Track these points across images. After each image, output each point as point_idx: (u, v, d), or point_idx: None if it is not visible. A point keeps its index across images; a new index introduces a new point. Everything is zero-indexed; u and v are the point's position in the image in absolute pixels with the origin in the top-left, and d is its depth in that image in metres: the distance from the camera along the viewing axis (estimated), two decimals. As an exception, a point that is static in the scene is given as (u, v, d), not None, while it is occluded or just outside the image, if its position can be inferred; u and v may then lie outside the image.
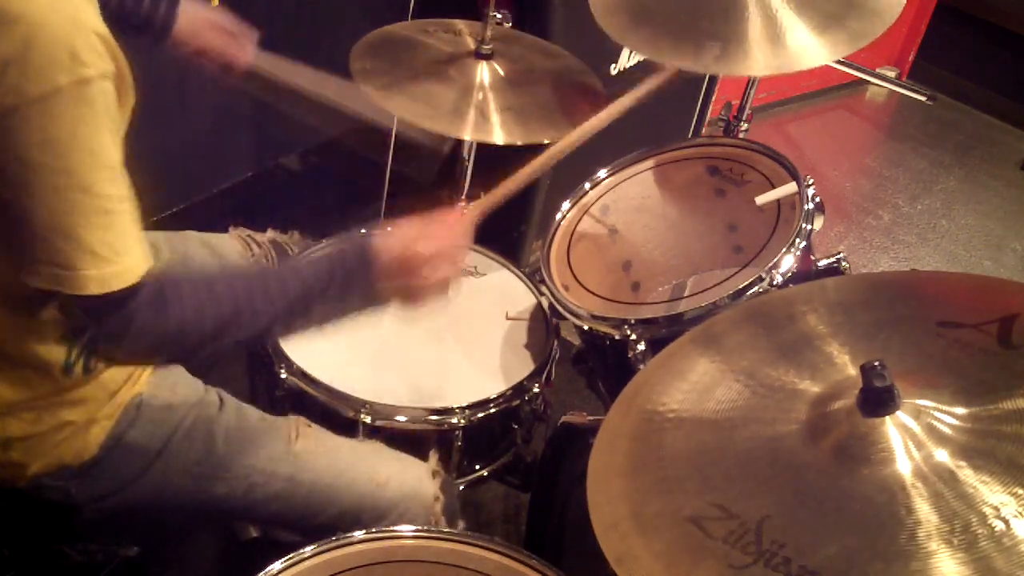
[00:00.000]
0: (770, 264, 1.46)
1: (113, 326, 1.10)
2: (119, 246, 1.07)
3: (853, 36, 1.65)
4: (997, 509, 0.83)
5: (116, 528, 1.42)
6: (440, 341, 1.67)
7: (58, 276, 1.05)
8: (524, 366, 1.64)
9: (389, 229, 1.26)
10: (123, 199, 1.08)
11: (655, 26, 1.72)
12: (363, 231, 1.83)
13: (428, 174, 2.33)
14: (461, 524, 1.48)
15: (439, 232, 1.28)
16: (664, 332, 1.49)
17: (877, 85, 4.04)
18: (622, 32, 1.74)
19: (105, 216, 1.05)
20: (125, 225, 1.08)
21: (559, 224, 1.76)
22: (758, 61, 1.64)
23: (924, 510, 0.85)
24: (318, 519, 1.38)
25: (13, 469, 1.27)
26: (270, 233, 1.75)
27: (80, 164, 1.02)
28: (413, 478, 1.42)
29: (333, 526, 1.37)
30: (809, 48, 1.65)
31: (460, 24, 1.93)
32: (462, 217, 1.30)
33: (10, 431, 1.24)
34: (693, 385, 1.10)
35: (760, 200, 1.63)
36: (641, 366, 1.47)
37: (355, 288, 1.22)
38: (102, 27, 1.04)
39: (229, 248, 1.68)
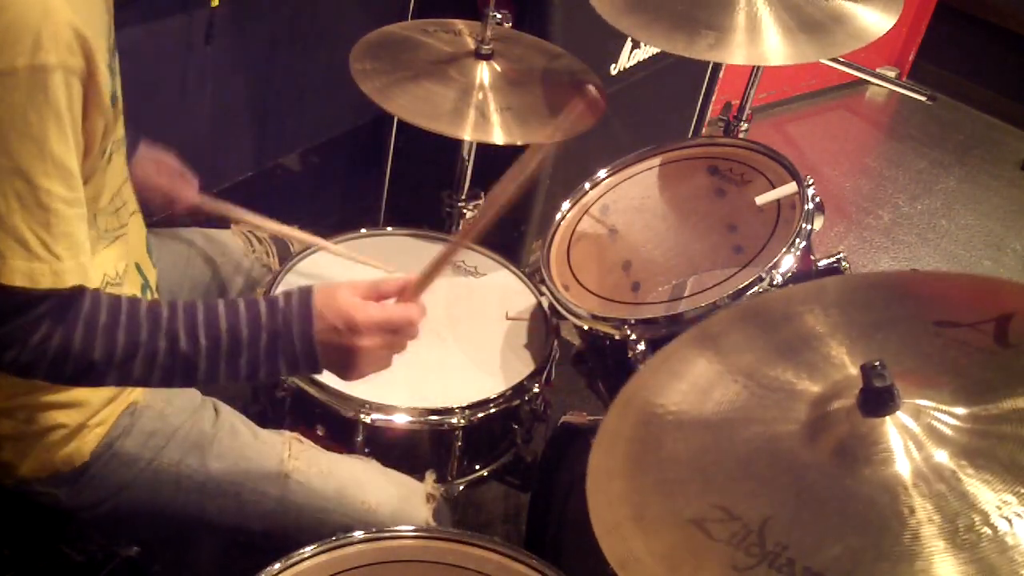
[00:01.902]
0: (770, 264, 1.46)
1: (18, 328, 1.04)
2: (54, 246, 1.03)
3: (824, 46, 1.74)
4: (999, 508, 0.83)
5: (116, 527, 1.42)
6: (440, 341, 1.67)
7: None
8: (524, 366, 1.64)
9: (336, 286, 1.17)
10: (68, 201, 1.04)
11: (650, 12, 1.75)
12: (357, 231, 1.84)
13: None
14: None
15: (388, 308, 1.19)
16: (664, 332, 1.49)
17: (877, 85, 4.04)
18: (617, 15, 1.77)
19: (42, 211, 1.02)
20: (66, 227, 1.04)
21: (559, 224, 1.76)
22: (739, 52, 1.72)
23: (926, 510, 0.85)
24: (307, 539, 1.35)
25: (3, 468, 1.27)
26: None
27: (22, 150, 0.99)
28: (406, 504, 1.41)
29: None
30: (777, 48, 1.72)
31: (460, 24, 1.94)
32: (409, 285, 1.21)
33: (2, 429, 1.24)
34: (692, 386, 1.10)
35: (760, 200, 1.63)
36: (641, 366, 1.47)
37: (289, 340, 1.13)
38: (83, 25, 1.01)
39: (230, 244, 1.69)
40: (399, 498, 1.41)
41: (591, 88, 1.17)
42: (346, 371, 1.18)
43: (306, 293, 1.15)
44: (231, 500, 1.34)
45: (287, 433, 1.43)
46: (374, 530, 1.24)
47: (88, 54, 1.02)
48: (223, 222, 1.72)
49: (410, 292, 1.22)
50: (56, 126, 1.01)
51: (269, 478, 1.35)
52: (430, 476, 1.47)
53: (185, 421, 1.35)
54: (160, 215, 1.64)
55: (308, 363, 1.15)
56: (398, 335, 1.19)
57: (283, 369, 1.15)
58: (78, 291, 1.07)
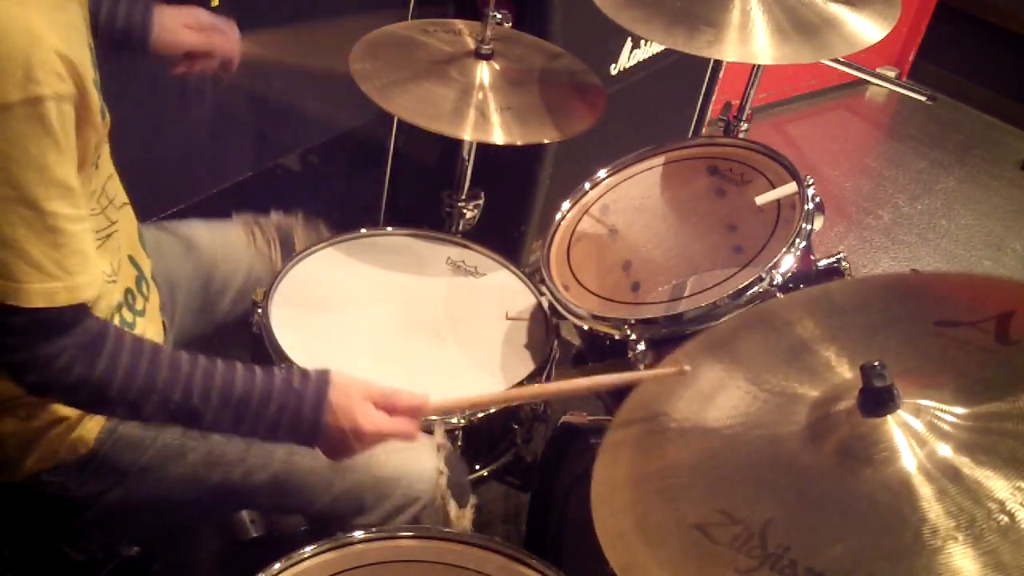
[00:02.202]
0: (770, 264, 1.46)
1: (40, 353, 1.08)
2: (67, 264, 1.07)
3: (817, 48, 1.75)
4: (1002, 503, 0.83)
5: (117, 526, 1.42)
6: (440, 341, 1.67)
7: (3, 287, 1.05)
8: (524, 366, 1.64)
9: (352, 385, 1.20)
10: (74, 219, 1.08)
11: (649, 7, 1.76)
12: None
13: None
14: (472, 500, 1.43)
15: (398, 422, 1.22)
16: (664, 332, 1.49)
17: (877, 85, 4.04)
18: (616, 9, 1.77)
19: (52, 233, 1.05)
20: (75, 245, 1.08)
21: (559, 224, 1.76)
22: (732, 49, 1.73)
23: (928, 507, 0.85)
24: (319, 502, 1.37)
25: (8, 465, 1.27)
26: (274, 218, 1.74)
27: (26, 180, 1.02)
28: (416, 453, 1.39)
29: (335, 508, 1.37)
30: (768, 47, 1.73)
31: (460, 24, 1.94)
32: (423, 407, 1.24)
33: (4, 428, 1.24)
34: (695, 392, 1.10)
35: (760, 200, 1.63)
36: (641, 366, 1.47)
37: (294, 423, 1.18)
38: (68, 48, 1.03)
39: (232, 237, 1.68)
40: (408, 448, 1.38)
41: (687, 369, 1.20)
42: (334, 458, 1.24)
43: (323, 384, 1.19)
44: (238, 467, 1.35)
45: None
46: (374, 530, 1.25)
47: (76, 77, 1.05)
48: (224, 213, 1.72)
49: (421, 414, 1.25)
50: (55, 151, 1.04)
51: None
52: (439, 428, 1.44)
53: None
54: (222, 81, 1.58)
55: (307, 443, 1.21)
56: (391, 441, 1.24)
57: (280, 440, 1.21)
58: (102, 325, 1.12)
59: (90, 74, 1.10)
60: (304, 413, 1.17)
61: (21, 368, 1.10)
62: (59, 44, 1.02)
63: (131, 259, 1.36)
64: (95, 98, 1.10)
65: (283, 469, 1.36)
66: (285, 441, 1.21)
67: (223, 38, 1.57)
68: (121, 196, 1.34)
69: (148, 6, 1.51)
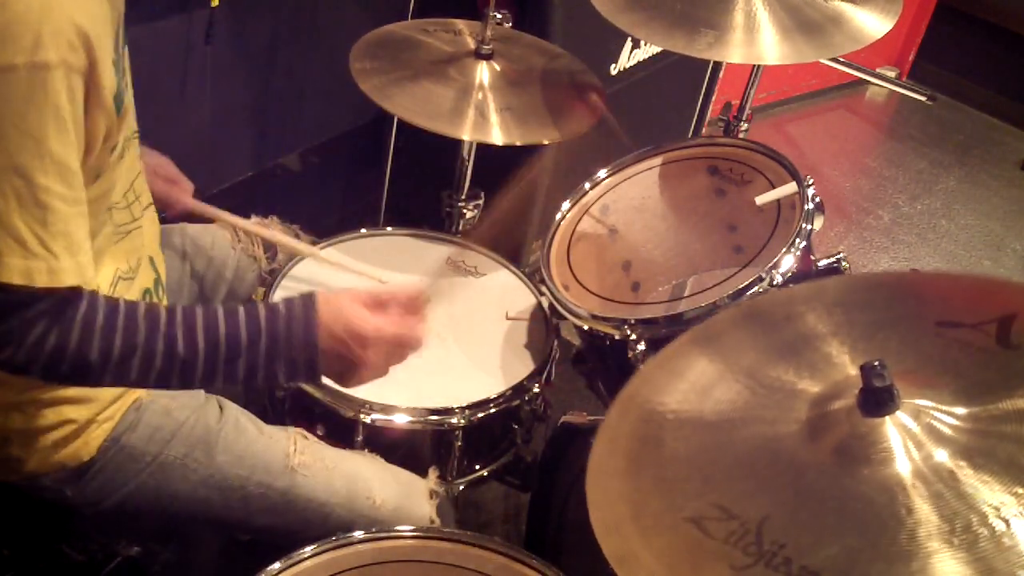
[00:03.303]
0: (770, 264, 1.46)
1: (12, 326, 1.04)
2: (51, 244, 1.02)
3: (821, 47, 1.75)
4: (997, 509, 0.83)
5: (116, 527, 1.42)
6: (440, 341, 1.67)
7: None
8: (524, 366, 1.64)
9: (339, 295, 1.16)
10: (67, 199, 1.03)
11: (649, 9, 1.76)
12: (359, 230, 1.84)
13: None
14: None
15: (391, 317, 1.18)
16: (664, 332, 1.49)
17: (877, 85, 4.04)
18: (616, 13, 1.77)
19: (39, 209, 1.01)
20: (62, 226, 1.03)
21: (559, 224, 1.76)
22: (736, 51, 1.73)
23: (924, 510, 0.85)
24: (312, 534, 1.36)
25: (10, 464, 1.27)
26: (254, 219, 1.73)
27: (20, 147, 0.99)
28: (409, 501, 1.41)
29: None
30: (774, 47, 1.73)
31: (460, 24, 1.94)
32: (419, 298, 1.20)
33: (11, 423, 1.24)
34: (692, 385, 1.10)
35: (760, 200, 1.63)
36: (641, 366, 1.47)
37: (289, 348, 1.12)
38: (86, 21, 1.01)
39: (218, 237, 1.68)
40: (403, 494, 1.42)
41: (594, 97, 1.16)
42: (345, 379, 1.19)
43: (309, 301, 1.15)
44: (236, 494, 1.34)
45: (292, 429, 1.42)
46: (374, 530, 1.25)
47: (91, 51, 1.02)
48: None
49: (415, 305, 1.21)
50: (55, 124, 1.00)
51: (275, 472, 1.36)
52: (432, 473, 1.48)
53: (190, 416, 1.35)
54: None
55: (308, 370, 1.15)
56: (402, 347, 1.19)
57: (281, 374, 1.14)
58: (75, 292, 1.07)
59: (108, 52, 1.06)
60: (296, 334, 1.12)
61: None
62: (77, 14, 0.99)
63: (151, 261, 1.36)
64: (108, 76, 1.06)
65: (281, 500, 1.36)
66: (287, 376, 1.14)
67: (177, 193, 1.62)
68: (147, 196, 1.34)
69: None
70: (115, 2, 1.13)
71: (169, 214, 1.63)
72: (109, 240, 1.23)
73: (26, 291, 1.03)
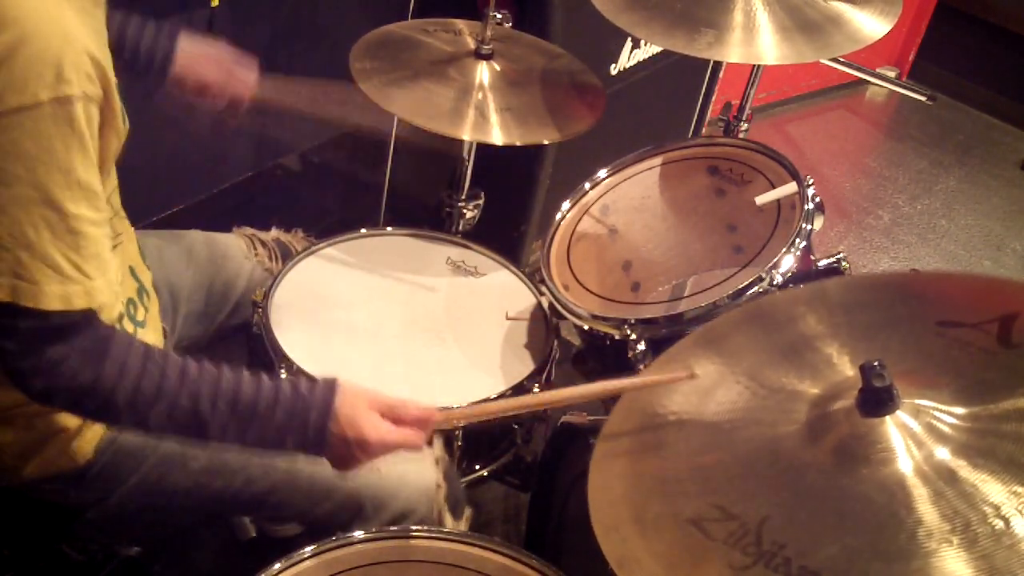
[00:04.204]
0: (770, 264, 1.46)
1: (47, 358, 1.06)
2: (86, 267, 1.06)
3: (820, 47, 1.74)
4: (997, 508, 0.83)
5: (117, 528, 1.42)
6: (440, 341, 1.67)
7: (18, 288, 1.03)
8: (524, 366, 1.64)
9: (359, 396, 1.19)
10: (95, 222, 1.07)
11: (649, 9, 1.77)
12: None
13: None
14: (468, 511, 1.45)
15: (404, 433, 1.20)
16: (664, 332, 1.49)
17: (877, 85, 4.04)
18: (616, 12, 1.77)
19: (72, 236, 1.04)
20: (93, 249, 1.07)
21: (559, 224, 1.76)
22: (735, 50, 1.72)
23: (924, 509, 0.85)
24: (318, 510, 1.37)
25: (7, 473, 1.27)
26: (274, 232, 1.75)
27: (50, 180, 1.01)
28: (415, 466, 1.41)
29: (334, 517, 1.37)
30: (773, 47, 1.73)
31: (460, 24, 1.93)
32: (430, 420, 1.23)
33: (2, 438, 1.24)
34: (694, 387, 1.10)
35: (760, 200, 1.63)
36: (641, 366, 1.47)
37: (303, 431, 1.16)
38: (98, 50, 1.04)
39: (233, 247, 1.69)
40: (407, 460, 1.41)
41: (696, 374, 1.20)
42: (340, 467, 1.22)
43: (330, 393, 1.18)
44: (239, 476, 1.35)
45: None
46: (374, 530, 1.25)
47: (104, 79, 1.05)
48: (225, 223, 1.72)
49: (427, 425, 1.23)
50: (81, 153, 1.03)
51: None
52: (437, 440, 1.46)
53: None
54: (228, 114, 1.58)
55: (313, 451, 1.19)
56: (398, 452, 1.22)
57: (287, 447, 1.18)
58: (110, 330, 1.11)
59: (113, 77, 1.09)
60: (311, 421, 1.16)
61: (27, 374, 1.08)
62: (90, 45, 1.02)
63: (132, 270, 1.37)
64: (118, 102, 1.10)
65: (284, 478, 1.36)
66: (292, 449, 1.19)
67: (239, 78, 1.58)
68: (120, 209, 1.35)
69: (174, 34, 1.52)
70: (104, 27, 1.16)
71: (239, 108, 1.57)
72: None
73: (63, 317, 1.05)
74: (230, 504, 1.38)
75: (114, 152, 1.13)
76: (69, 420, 1.26)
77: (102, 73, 1.04)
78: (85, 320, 1.08)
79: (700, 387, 1.09)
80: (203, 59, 1.55)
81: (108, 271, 1.10)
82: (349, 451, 1.18)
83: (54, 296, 1.04)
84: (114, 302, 1.14)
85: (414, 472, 1.40)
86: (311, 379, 1.20)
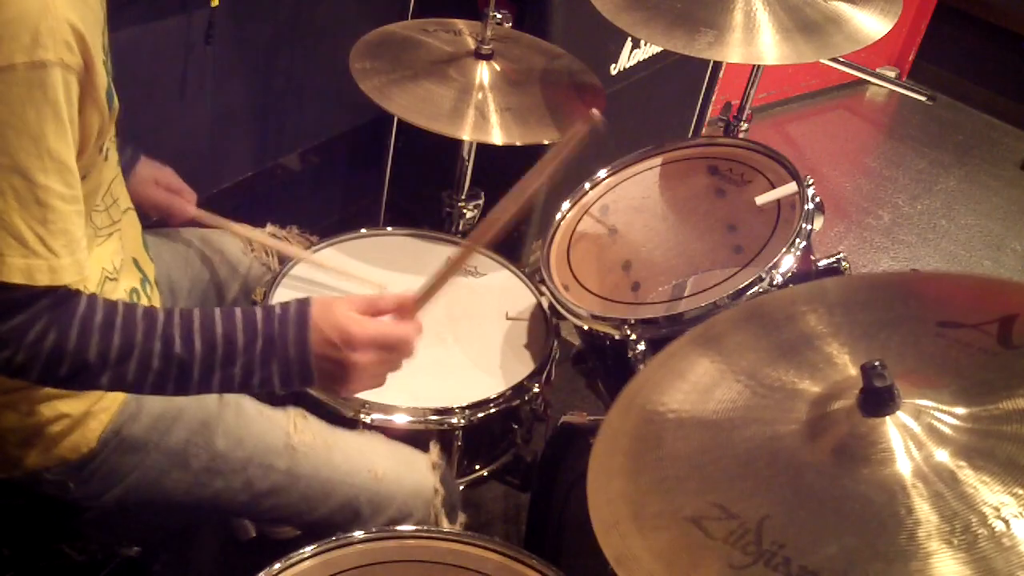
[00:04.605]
0: (770, 264, 1.46)
1: (12, 325, 1.04)
2: (52, 242, 1.03)
3: (821, 47, 1.74)
4: (997, 509, 0.83)
5: (117, 527, 1.42)
6: (440, 341, 1.67)
7: None
8: (524, 366, 1.64)
9: (334, 299, 1.17)
10: (66, 198, 1.04)
11: (649, 9, 1.77)
12: (359, 231, 1.84)
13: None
14: (462, 517, 1.47)
15: (386, 323, 1.19)
16: (664, 332, 1.49)
17: (877, 85, 4.04)
18: (616, 12, 1.77)
19: (40, 208, 1.02)
20: (63, 224, 1.04)
21: (559, 224, 1.76)
22: (736, 50, 1.72)
23: (924, 510, 0.85)
24: (316, 513, 1.37)
25: (10, 461, 1.27)
26: (269, 228, 1.75)
27: (19, 147, 0.99)
28: (412, 471, 1.42)
29: (331, 520, 1.37)
30: (773, 47, 1.72)
31: (460, 24, 1.94)
32: (407, 303, 1.21)
33: (5, 422, 1.24)
34: (693, 385, 1.10)
35: (760, 200, 1.63)
36: (641, 366, 1.47)
37: (284, 349, 1.13)
38: (80, 21, 1.02)
39: (230, 243, 1.69)
40: (405, 465, 1.42)
41: (595, 113, 1.17)
42: (339, 385, 1.19)
43: (303, 304, 1.16)
44: (239, 476, 1.35)
45: (292, 409, 1.43)
46: (374, 530, 1.25)
47: (85, 51, 1.03)
48: (226, 212, 1.73)
49: (408, 309, 1.22)
50: (54, 123, 1.01)
51: (276, 451, 1.36)
52: (435, 446, 1.47)
53: (191, 402, 1.34)
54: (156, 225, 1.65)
55: (302, 373, 1.16)
56: (393, 352, 1.20)
57: (276, 378, 1.15)
58: (73, 292, 1.08)
59: (99, 53, 1.07)
60: (290, 337, 1.13)
61: None
62: (71, 15, 1.00)
63: (135, 262, 1.36)
64: (102, 77, 1.08)
65: (283, 480, 1.36)
66: (281, 379, 1.14)
67: (180, 203, 1.62)
68: (125, 200, 1.34)
69: (135, 155, 1.57)
70: (103, 7, 1.15)
71: (172, 224, 1.64)
72: (91, 242, 1.23)
73: (27, 290, 1.04)
74: (228, 504, 1.38)
75: (97, 131, 1.10)
76: (73, 406, 1.26)
77: (83, 44, 1.02)
78: (47, 291, 1.05)
79: (701, 385, 1.09)
80: (152, 183, 1.59)
81: (78, 251, 1.07)
82: (339, 358, 1.15)
83: (15, 269, 1.02)
84: (84, 284, 1.12)
85: (411, 476, 1.41)
86: (283, 303, 1.16)
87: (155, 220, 1.63)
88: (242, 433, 1.36)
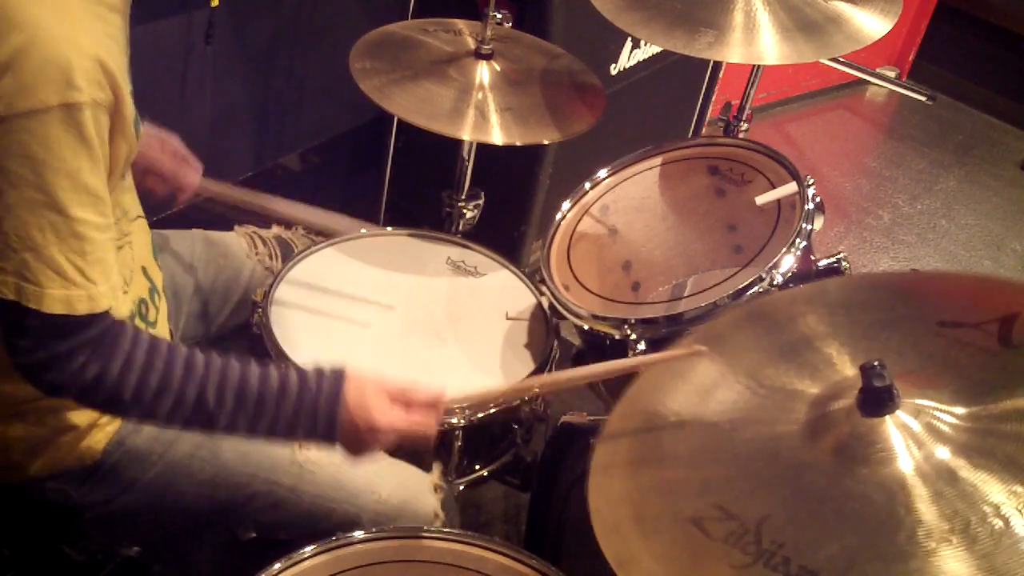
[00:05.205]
0: (770, 264, 1.46)
1: (57, 352, 1.08)
2: (90, 272, 1.07)
3: (821, 47, 1.74)
4: (997, 508, 0.83)
5: (117, 529, 1.42)
6: (440, 341, 1.67)
7: (23, 289, 1.04)
8: (524, 366, 1.64)
9: (367, 382, 1.19)
10: (100, 227, 1.08)
11: (649, 9, 1.77)
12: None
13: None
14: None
15: (414, 418, 1.20)
16: (664, 332, 1.49)
17: (877, 85, 4.04)
18: (616, 12, 1.77)
19: (77, 240, 1.05)
20: (99, 254, 1.08)
21: (559, 224, 1.76)
22: (736, 50, 1.72)
23: (923, 509, 0.85)
24: (317, 528, 1.37)
25: (14, 469, 1.27)
26: (274, 229, 1.76)
27: (57, 185, 1.02)
28: (415, 494, 1.42)
29: (331, 535, 1.37)
30: (774, 47, 1.73)
31: (460, 24, 1.94)
32: (439, 402, 1.23)
33: (12, 432, 1.24)
34: (694, 386, 1.10)
35: (760, 200, 1.63)
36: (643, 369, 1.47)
37: (313, 420, 1.17)
38: (108, 57, 1.04)
39: (234, 245, 1.69)
40: (408, 488, 1.42)
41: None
42: (353, 456, 1.22)
43: (338, 380, 1.19)
44: (243, 491, 1.35)
45: None
46: (374, 530, 1.25)
47: (115, 86, 1.05)
48: (225, 221, 1.72)
49: (439, 408, 1.23)
50: (88, 159, 1.04)
51: (281, 468, 1.36)
52: (437, 468, 1.48)
53: None
54: (162, 205, 1.63)
55: (324, 442, 1.20)
56: (410, 441, 1.23)
57: (298, 438, 1.21)
58: (119, 324, 1.11)
59: (126, 84, 1.10)
60: (320, 410, 1.16)
61: (38, 368, 1.09)
62: (101, 52, 1.03)
63: (144, 271, 1.37)
64: (130, 108, 1.10)
65: (287, 496, 1.37)
66: (303, 439, 1.20)
67: (187, 171, 1.62)
68: (136, 209, 1.35)
69: (139, 118, 1.54)
70: (125, 37, 1.17)
71: (179, 200, 1.62)
72: None
73: (69, 319, 1.07)
74: (232, 516, 1.38)
75: (124, 158, 1.14)
76: (80, 418, 1.26)
77: (112, 80, 1.05)
78: (91, 319, 1.09)
79: (701, 386, 1.09)
80: (156, 145, 1.58)
81: (111, 276, 1.11)
82: (360, 438, 1.19)
83: (56, 300, 1.05)
84: (117, 306, 1.15)
85: (413, 500, 1.41)
86: (319, 369, 1.20)
87: (160, 199, 1.59)
88: (247, 448, 1.36)
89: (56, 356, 1.08)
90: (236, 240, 1.70)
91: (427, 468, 1.48)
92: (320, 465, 1.38)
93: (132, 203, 1.33)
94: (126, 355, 1.10)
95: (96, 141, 1.04)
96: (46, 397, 1.21)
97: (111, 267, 1.10)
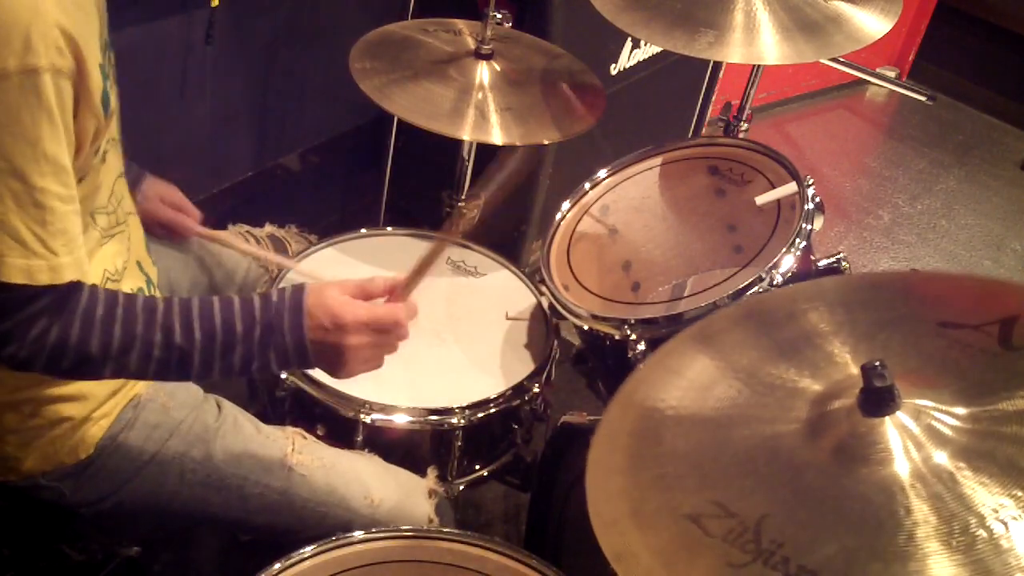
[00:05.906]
0: (770, 264, 1.46)
1: (16, 321, 1.06)
2: (51, 243, 1.05)
3: (821, 47, 1.74)
4: (996, 511, 0.83)
5: (114, 529, 1.42)
6: (440, 341, 1.67)
7: None
8: (524, 366, 1.64)
9: (327, 285, 1.19)
10: (63, 198, 1.06)
11: (649, 9, 1.77)
12: (359, 233, 1.84)
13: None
14: None
15: (376, 307, 1.20)
16: (664, 332, 1.49)
17: (877, 85, 4.04)
18: (616, 12, 1.77)
19: (38, 209, 1.04)
20: (61, 224, 1.06)
21: (559, 224, 1.76)
22: (736, 51, 1.72)
23: (923, 511, 0.85)
24: (309, 533, 1.37)
25: (8, 464, 1.27)
26: (268, 228, 1.76)
27: (16, 151, 1.01)
28: (409, 499, 1.42)
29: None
30: (774, 47, 1.72)
31: (460, 24, 1.94)
32: (397, 286, 1.24)
33: (6, 422, 1.24)
34: (692, 383, 1.10)
35: (760, 200, 1.63)
36: (641, 366, 1.47)
37: (281, 334, 1.16)
38: (71, 25, 1.02)
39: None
40: (402, 493, 1.42)
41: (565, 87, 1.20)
42: (335, 369, 1.21)
43: (298, 290, 1.18)
44: (234, 493, 1.35)
45: (290, 429, 1.43)
46: (374, 530, 1.25)
47: (78, 55, 1.04)
48: (222, 226, 1.73)
49: (398, 292, 1.24)
50: (49, 126, 1.02)
51: (273, 471, 1.36)
52: (432, 472, 1.48)
53: (188, 415, 1.35)
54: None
55: (299, 358, 1.18)
56: (386, 335, 1.21)
57: (274, 364, 1.17)
58: (75, 286, 1.10)
59: (95, 56, 1.08)
60: (286, 324, 1.16)
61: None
62: (62, 19, 1.01)
63: (139, 265, 1.37)
64: (96, 80, 1.08)
65: (279, 499, 1.36)
66: (278, 364, 1.17)
67: (185, 220, 1.62)
68: (128, 202, 1.35)
69: (140, 175, 1.56)
70: (99, 8, 1.15)
71: (175, 240, 1.63)
72: (96, 243, 1.24)
73: (28, 289, 1.05)
74: (222, 518, 1.38)
75: (93, 134, 1.11)
76: (74, 409, 1.26)
77: (75, 47, 1.03)
78: (51, 290, 1.07)
79: (699, 383, 1.09)
80: (158, 199, 1.58)
81: (77, 249, 1.09)
82: (332, 342, 1.17)
83: (16, 269, 1.04)
84: (94, 278, 1.14)
85: (407, 505, 1.41)
86: (280, 289, 1.19)
87: (159, 236, 1.63)
88: (239, 450, 1.36)
89: (14, 326, 1.06)
90: (230, 238, 1.70)
91: (422, 472, 1.48)
92: (311, 469, 1.38)
93: (125, 194, 1.33)
94: (84, 312, 1.09)
95: (58, 109, 1.02)
96: (38, 386, 1.22)
97: (75, 239, 1.08)
